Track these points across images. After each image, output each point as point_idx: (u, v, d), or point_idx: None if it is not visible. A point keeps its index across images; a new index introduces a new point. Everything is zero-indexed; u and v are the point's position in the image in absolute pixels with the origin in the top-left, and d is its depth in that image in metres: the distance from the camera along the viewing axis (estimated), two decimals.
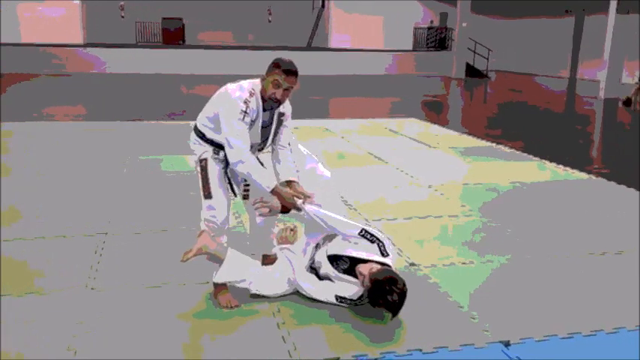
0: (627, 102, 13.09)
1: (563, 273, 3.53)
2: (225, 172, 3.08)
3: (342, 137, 7.98)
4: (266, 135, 3.05)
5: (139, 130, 8.05)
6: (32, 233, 3.98)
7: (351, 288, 2.97)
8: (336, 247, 3.07)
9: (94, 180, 5.42)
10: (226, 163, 3.05)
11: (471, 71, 21.11)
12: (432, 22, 23.75)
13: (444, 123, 9.82)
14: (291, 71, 2.90)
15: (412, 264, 3.60)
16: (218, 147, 3.01)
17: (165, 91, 13.70)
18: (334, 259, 3.04)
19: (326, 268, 3.06)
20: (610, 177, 5.90)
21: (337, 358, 2.54)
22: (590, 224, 4.46)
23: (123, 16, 22.08)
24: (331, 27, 23.20)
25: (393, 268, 2.96)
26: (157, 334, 2.72)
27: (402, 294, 2.73)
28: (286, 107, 3.12)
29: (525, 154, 7.01)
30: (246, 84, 2.95)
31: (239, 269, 3.03)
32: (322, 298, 3.02)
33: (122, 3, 22.09)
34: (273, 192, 2.93)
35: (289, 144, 3.20)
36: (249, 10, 23.44)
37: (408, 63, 21.11)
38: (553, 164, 6.49)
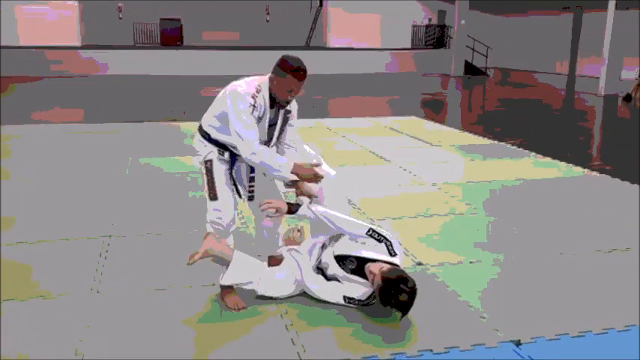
0: (627, 98, 13.08)
1: (571, 271, 3.51)
2: (230, 174, 3.06)
3: (343, 136, 7.95)
4: (272, 133, 3.03)
5: (139, 132, 8.01)
6: (36, 237, 3.94)
7: (359, 288, 2.95)
8: (343, 247, 3.05)
9: (96, 182, 5.38)
10: (231, 164, 3.03)
11: (470, 69, 21.10)
12: (430, 20, 23.73)
13: (444, 121, 9.80)
14: (303, 74, 2.87)
15: (419, 263, 3.58)
16: (223, 147, 2.99)
17: (166, 92, 13.65)
18: (341, 260, 3.02)
19: (333, 268, 3.04)
20: (613, 174, 5.88)
21: None
22: (596, 221, 4.44)
23: (121, 18, 22.01)
24: (329, 26, 23.15)
25: (401, 268, 2.94)
26: (164, 338, 2.69)
27: (413, 293, 2.71)
28: (292, 105, 3.09)
29: (527, 151, 6.98)
30: (252, 81, 2.92)
31: (245, 271, 3.00)
32: (330, 299, 3.00)
33: (120, 4, 22.03)
34: (293, 171, 2.89)
35: (294, 143, 3.17)
36: (247, 10, 23.39)
37: (408, 61, 21.08)
38: (556, 161, 6.48)
